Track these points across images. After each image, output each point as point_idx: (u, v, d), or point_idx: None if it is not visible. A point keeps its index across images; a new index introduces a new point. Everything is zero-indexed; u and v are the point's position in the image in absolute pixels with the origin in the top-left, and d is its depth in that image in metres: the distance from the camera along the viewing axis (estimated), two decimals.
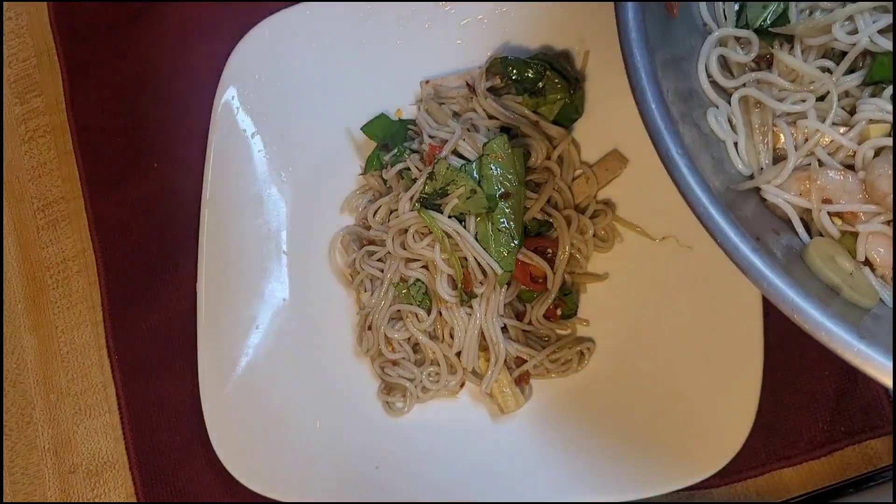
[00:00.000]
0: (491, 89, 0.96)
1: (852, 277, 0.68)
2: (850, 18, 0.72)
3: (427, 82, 1.00)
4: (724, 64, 0.77)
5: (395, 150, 0.96)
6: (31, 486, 1.05)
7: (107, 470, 1.04)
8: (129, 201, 1.08)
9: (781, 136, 0.74)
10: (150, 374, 1.03)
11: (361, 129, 0.99)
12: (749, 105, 0.76)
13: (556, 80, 0.95)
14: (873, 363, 0.60)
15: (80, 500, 1.04)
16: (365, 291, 0.97)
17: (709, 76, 0.76)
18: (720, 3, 0.77)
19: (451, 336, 0.93)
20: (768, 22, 0.75)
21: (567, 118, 0.96)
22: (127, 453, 1.02)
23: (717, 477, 0.86)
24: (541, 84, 0.95)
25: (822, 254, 0.69)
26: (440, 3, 1.00)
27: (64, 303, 1.08)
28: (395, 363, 0.95)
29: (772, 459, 0.89)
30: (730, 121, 0.76)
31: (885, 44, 0.71)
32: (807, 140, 0.73)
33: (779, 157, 0.75)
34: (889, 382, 0.59)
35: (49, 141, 1.13)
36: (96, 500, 1.03)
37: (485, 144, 0.90)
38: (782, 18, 0.75)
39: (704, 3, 0.77)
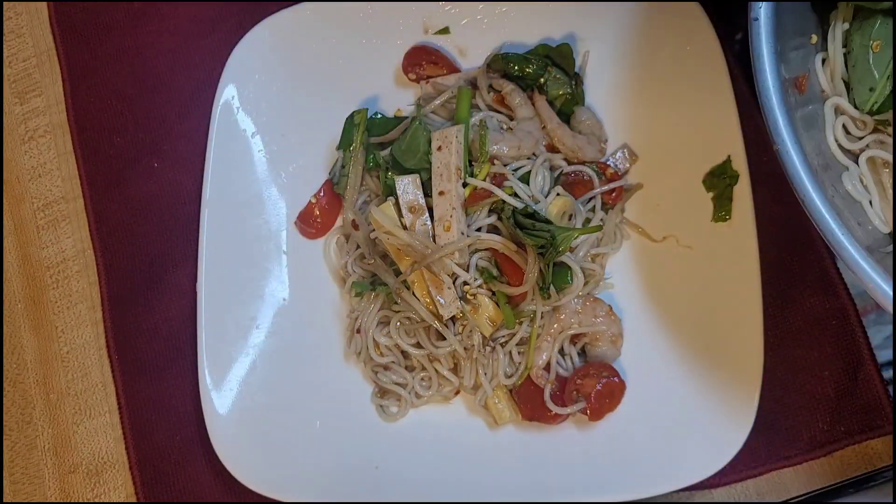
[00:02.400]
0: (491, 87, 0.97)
1: None
2: None
3: (427, 82, 1.00)
4: (847, 131, 0.79)
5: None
6: (31, 486, 1.05)
7: (107, 470, 1.04)
8: (129, 201, 1.08)
9: None
10: (150, 374, 1.03)
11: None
12: (877, 166, 0.77)
13: (558, 76, 0.95)
14: None
15: (80, 500, 1.04)
16: (355, 295, 0.97)
17: (836, 140, 0.78)
18: (838, 73, 0.79)
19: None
20: (875, 108, 0.77)
21: (568, 112, 0.96)
22: (127, 453, 1.02)
23: (717, 477, 0.86)
24: (542, 80, 0.95)
25: None
26: (440, 3, 1.00)
27: (64, 303, 1.08)
28: (385, 367, 0.95)
29: (772, 459, 0.90)
30: (862, 182, 0.77)
31: None
32: None
33: None
34: None
35: (49, 141, 1.13)
36: (96, 500, 1.03)
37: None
38: (889, 101, 0.76)
39: (822, 72, 0.79)
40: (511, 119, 0.96)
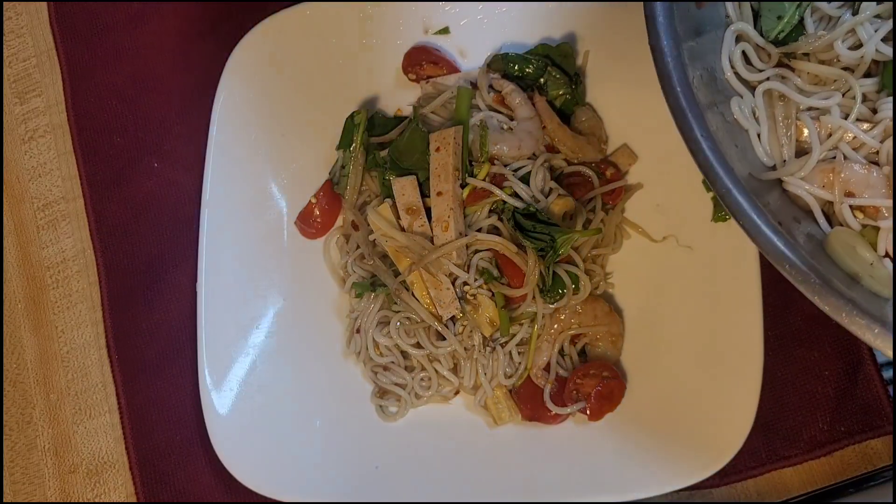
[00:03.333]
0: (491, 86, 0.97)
1: (872, 268, 0.69)
2: (853, 31, 0.73)
3: (427, 82, 1.00)
4: (747, 59, 0.78)
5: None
6: (31, 486, 1.05)
7: (107, 470, 1.04)
8: (129, 201, 1.08)
9: (805, 129, 0.75)
10: (150, 374, 1.03)
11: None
12: (773, 98, 0.76)
13: (558, 76, 0.95)
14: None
15: (80, 500, 1.04)
16: (356, 295, 0.97)
17: (732, 68, 0.77)
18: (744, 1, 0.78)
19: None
20: (781, 37, 0.76)
21: (568, 112, 0.96)
22: (127, 453, 1.02)
23: (717, 477, 0.86)
24: (542, 80, 0.95)
25: (843, 243, 0.70)
26: (440, 3, 1.00)
27: (64, 303, 1.08)
28: (385, 368, 0.95)
29: (772, 459, 0.90)
30: (753, 113, 0.76)
31: (890, 51, 0.72)
32: (830, 135, 0.74)
33: (801, 151, 0.76)
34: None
35: (49, 141, 1.13)
36: (96, 500, 1.03)
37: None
38: (797, 30, 0.76)
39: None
40: (511, 119, 0.96)
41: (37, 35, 1.16)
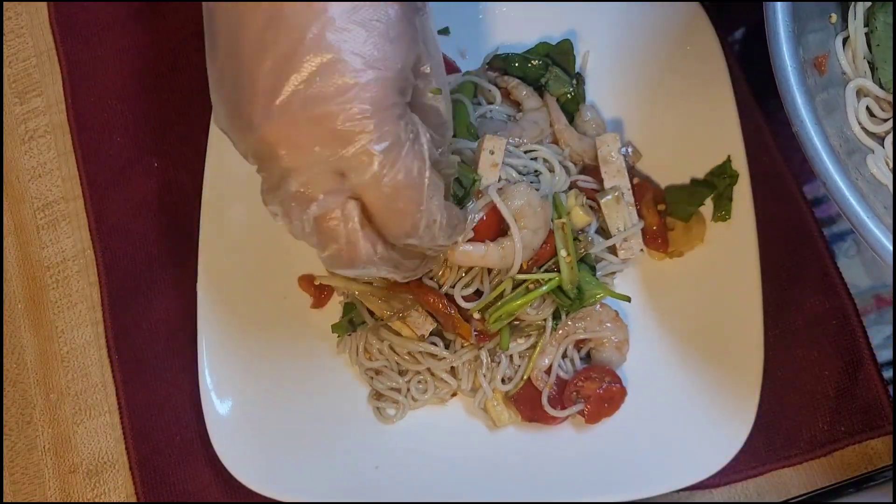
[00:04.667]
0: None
1: None
2: None
3: None
4: (871, 113, 0.77)
5: None
6: (31, 486, 1.05)
7: (107, 470, 1.04)
8: (129, 201, 1.08)
9: None
10: (150, 374, 1.03)
11: None
12: None
13: (559, 75, 0.95)
14: None
15: (80, 500, 1.03)
16: (337, 336, 0.97)
17: (859, 123, 0.76)
18: (860, 53, 0.77)
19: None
20: None
21: (570, 112, 0.96)
22: (127, 453, 1.02)
23: (717, 477, 0.86)
24: (544, 80, 0.95)
25: None
26: (440, 2, 0.99)
27: (64, 303, 1.08)
28: (378, 372, 0.94)
29: (772, 459, 0.90)
30: (888, 164, 0.75)
31: None
32: None
33: None
34: None
35: (49, 141, 1.13)
36: (96, 500, 1.03)
37: None
38: None
39: (843, 53, 0.77)
40: (518, 112, 0.95)
41: (37, 35, 1.16)
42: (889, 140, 0.76)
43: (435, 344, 0.91)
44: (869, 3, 0.77)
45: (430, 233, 0.67)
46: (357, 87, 0.61)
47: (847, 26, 0.77)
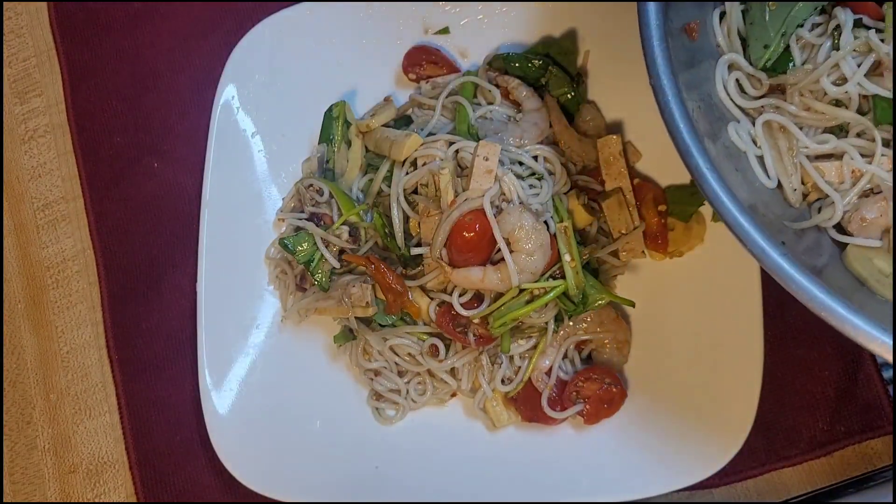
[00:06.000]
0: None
1: (882, 275, 0.71)
2: (837, 66, 0.75)
3: (427, 82, 1.00)
4: (741, 88, 0.80)
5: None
6: (31, 486, 1.05)
7: (107, 470, 1.04)
8: (129, 201, 1.08)
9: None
10: (150, 374, 1.03)
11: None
12: (773, 129, 0.78)
13: (559, 74, 0.95)
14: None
15: (80, 500, 1.04)
16: (338, 345, 0.97)
17: (727, 94, 0.79)
18: (734, 29, 0.80)
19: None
20: (770, 65, 0.78)
21: (570, 112, 0.96)
22: (127, 453, 1.02)
23: (717, 477, 0.86)
24: (544, 79, 0.95)
25: (860, 257, 0.73)
26: (440, 3, 1.00)
27: (64, 303, 1.08)
28: (377, 373, 0.94)
29: (772, 459, 0.90)
30: (752, 138, 0.78)
31: (874, 88, 0.73)
32: (857, 177, 0.76)
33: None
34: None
35: (49, 141, 1.13)
36: (96, 500, 1.03)
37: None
38: (784, 58, 0.78)
39: (719, 28, 0.80)
40: (518, 112, 0.96)
41: (37, 35, 1.16)
42: (759, 121, 0.77)
43: (436, 346, 0.91)
44: None
45: None
46: None
47: (724, 1, 0.80)
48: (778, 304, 0.91)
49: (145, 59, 1.11)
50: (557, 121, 0.94)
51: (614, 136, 0.91)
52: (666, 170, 0.94)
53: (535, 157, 0.91)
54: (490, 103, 0.96)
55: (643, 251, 0.91)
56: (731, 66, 0.79)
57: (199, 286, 0.96)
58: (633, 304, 0.89)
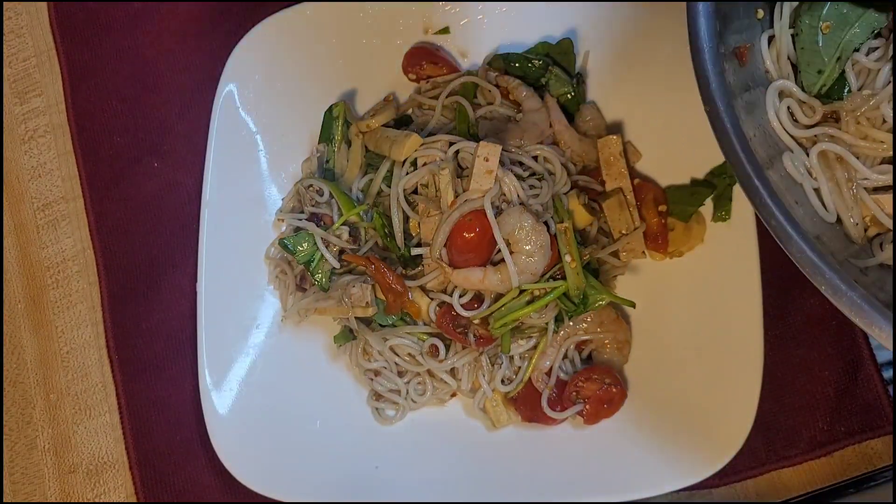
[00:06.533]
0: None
1: None
2: None
3: (427, 82, 1.00)
4: (793, 116, 0.77)
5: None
6: (31, 486, 1.05)
7: (107, 470, 1.04)
8: (129, 201, 1.08)
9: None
10: (150, 374, 1.03)
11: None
12: (829, 160, 0.75)
13: (560, 75, 0.95)
14: None
15: (80, 500, 1.04)
16: (338, 345, 0.97)
17: (780, 124, 0.76)
18: (784, 53, 0.77)
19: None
20: (824, 91, 0.75)
21: (570, 112, 0.96)
22: (127, 453, 1.02)
23: (717, 477, 0.86)
24: (545, 80, 0.95)
25: None
26: (440, 3, 1.00)
27: (64, 303, 1.08)
28: (376, 373, 0.94)
29: (772, 459, 0.90)
30: (807, 169, 0.75)
31: None
32: None
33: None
34: None
35: (49, 141, 1.13)
36: (96, 500, 1.03)
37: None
38: (840, 83, 0.75)
39: (768, 52, 0.77)
40: (518, 112, 0.96)
41: (37, 35, 1.16)
42: (814, 151, 0.75)
43: (436, 346, 0.91)
44: (796, 4, 0.76)
45: None
46: None
47: (773, 24, 0.77)
48: (778, 304, 0.91)
49: (145, 59, 1.11)
50: (557, 121, 0.94)
51: (614, 137, 0.91)
52: (666, 170, 0.94)
53: (536, 158, 0.91)
54: (490, 103, 0.96)
55: (643, 251, 0.91)
56: (782, 93, 0.76)
57: (199, 286, 0.96)
58: (633, 305, 0.89)
